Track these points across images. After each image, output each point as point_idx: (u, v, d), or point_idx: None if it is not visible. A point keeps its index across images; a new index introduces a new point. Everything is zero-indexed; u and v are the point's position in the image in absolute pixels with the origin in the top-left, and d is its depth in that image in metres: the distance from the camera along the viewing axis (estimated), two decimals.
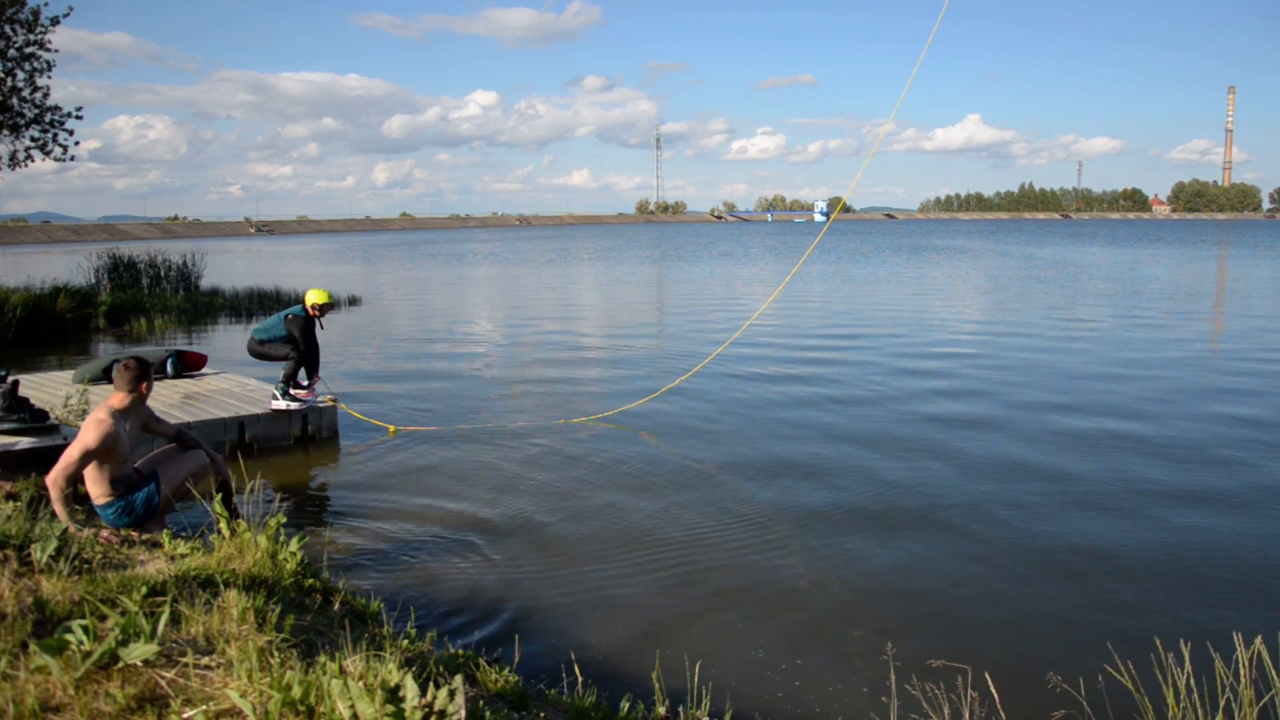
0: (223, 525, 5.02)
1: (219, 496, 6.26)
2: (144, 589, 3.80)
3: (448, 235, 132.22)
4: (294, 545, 4.85)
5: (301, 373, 10.57)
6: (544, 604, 6.18)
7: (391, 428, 11.03)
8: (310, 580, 4.78)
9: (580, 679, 4.28)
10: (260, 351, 10.48)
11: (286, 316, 10.49)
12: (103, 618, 3.45)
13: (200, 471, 6.52)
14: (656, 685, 4.14)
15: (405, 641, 4.29)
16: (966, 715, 3.59)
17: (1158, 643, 3.76)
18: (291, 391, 10.34)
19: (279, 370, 10.48)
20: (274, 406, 10.29)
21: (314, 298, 10.48)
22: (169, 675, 3.06)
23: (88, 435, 5.90)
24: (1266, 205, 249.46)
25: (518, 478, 9.11)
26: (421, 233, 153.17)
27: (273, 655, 3.25)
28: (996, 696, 3.71)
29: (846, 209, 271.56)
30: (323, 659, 3.19)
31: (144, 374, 6.30)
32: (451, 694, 2.83)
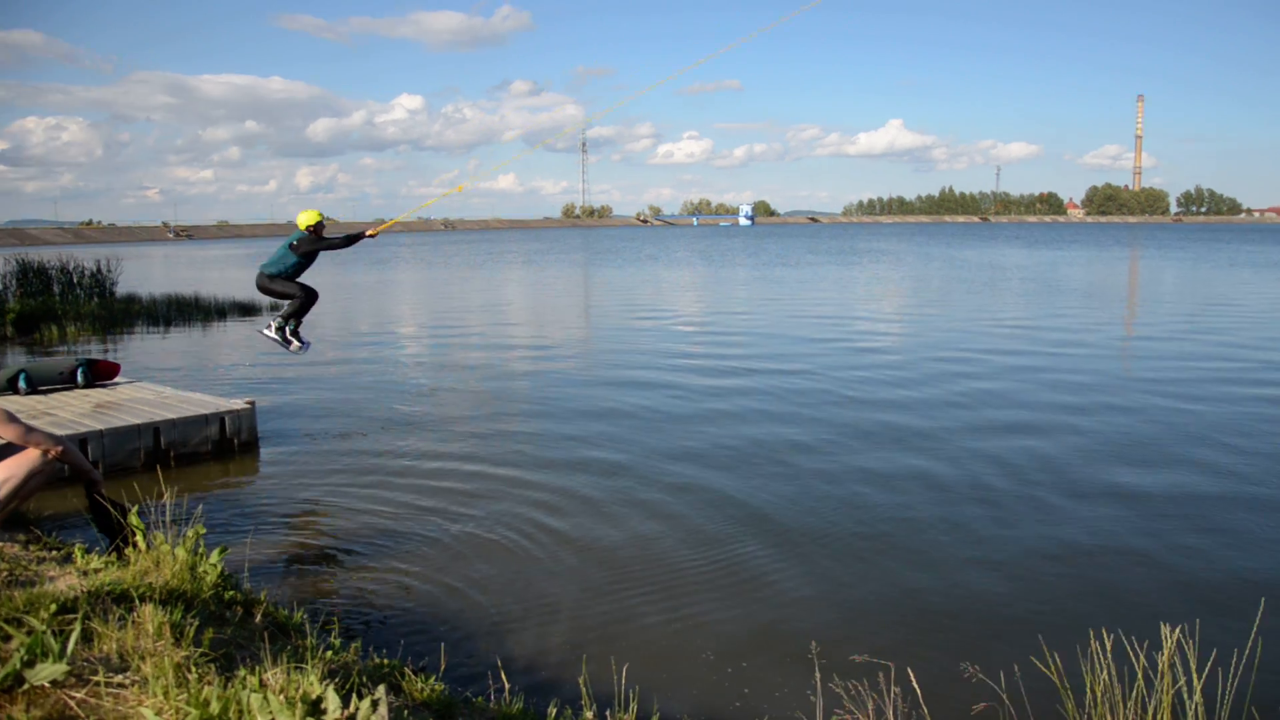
0: (139, 538, 4.87)
1: (134, 509, 5.80)
2: (53, 606, 3.67)
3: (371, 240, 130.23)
4: (214, 557, 4.73)
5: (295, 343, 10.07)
6: (472, 611, 6.13)
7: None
8: (231, 592, 4.67)
9: (507, 686, 4.25)
10: (269, 288, 9.88)
11: (291, 244, 9.96)
12: (7, 638, 3.33)
13: (41, 468, 5.38)
14: (584, 690, 4.13)
15: (329, 653, 4.22)
16: (890, 712, 3.66)
17: (1086, 634, 3.86)
18: (289, 333, 9.97)
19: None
20: (265, 334, 9.93)
21: (308, 219, 9.74)
22: (79, 695, 2.96)
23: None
24: (1174, 209, 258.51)
25: (441, 484, 9.02)
26: None
27: (190, 671, 3.17)
28: (919, 692, 3.78)
29: (771, 212, 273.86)
30: (243, 673, 3.12)
31: None
32: (374, 704, 2.79)
